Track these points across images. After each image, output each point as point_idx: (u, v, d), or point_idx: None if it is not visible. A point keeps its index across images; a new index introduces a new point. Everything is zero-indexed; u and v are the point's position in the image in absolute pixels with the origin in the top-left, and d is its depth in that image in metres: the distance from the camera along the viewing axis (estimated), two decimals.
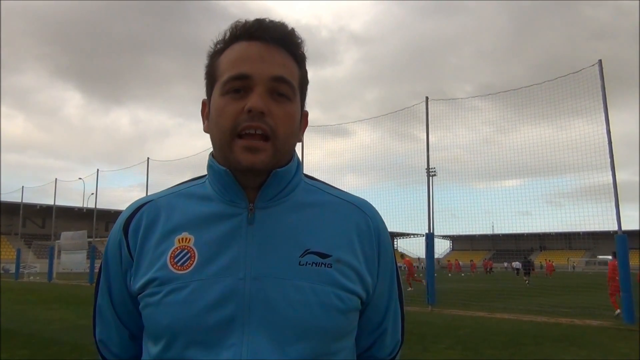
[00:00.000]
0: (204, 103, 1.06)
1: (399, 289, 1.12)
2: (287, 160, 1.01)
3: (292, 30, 1.00)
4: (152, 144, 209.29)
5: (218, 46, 1.01)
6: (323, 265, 0.96)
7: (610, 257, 15.96)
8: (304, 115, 1.07)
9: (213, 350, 0.90)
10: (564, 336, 9.87)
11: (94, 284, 1.12)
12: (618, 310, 12.36)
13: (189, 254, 0.96)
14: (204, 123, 1.05)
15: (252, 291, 0.92)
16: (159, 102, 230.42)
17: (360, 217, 1.05)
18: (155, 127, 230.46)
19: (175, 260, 0.96)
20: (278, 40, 0.97)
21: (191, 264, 0.95)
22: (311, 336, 0.92)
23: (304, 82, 1.04)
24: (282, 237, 0.98)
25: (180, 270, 0.95)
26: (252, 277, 0.93)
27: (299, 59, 1.02)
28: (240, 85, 0.95)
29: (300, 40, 1.01)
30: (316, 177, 1.11)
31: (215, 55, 1.01)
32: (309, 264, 0.96)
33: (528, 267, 31.41)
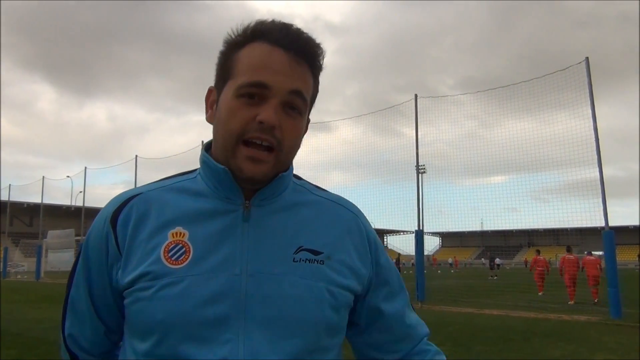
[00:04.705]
0: (210, 90, 1.04)
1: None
2: (286, 167, 1.02)
3: (317, 43, 0.99)
4: (132, 140, 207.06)
5: (238, 38, 0.99)
6: (316, 262, 0.98)
7: (601, 252, 16.10)
8: (307, 122, 1.07)
9: (207, 346, 0.89)
10: (553, 331, 9.98)
11: None
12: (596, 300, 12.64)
13: (184, 249, 0.95)
14: (207, 111, 1.04)
15: (248, 287, 0.93)
16: (133, 96, 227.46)
17: (348, 215, 1.09)
18: (133, 122, 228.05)
19: (169, 255, 0.95)
20: (301, 52, 0.96)
21: (186, 259, 0.94)
22: (306, 331, 0.94)
23: (315, 93, 1.04)
24: (277, 234, 0.99)
25: (175, 264, 0.94)
26: (248, 274, 0.94)
27: (316, 72, 1.02)
28: (256, 92, 0.94)
29: (321, 53, 1.00)
30: (302, 174, 1.12)
31: (233, 48, 0.99)
32: (303, 260, 0.98)
33: (493, 264, 38.51)
